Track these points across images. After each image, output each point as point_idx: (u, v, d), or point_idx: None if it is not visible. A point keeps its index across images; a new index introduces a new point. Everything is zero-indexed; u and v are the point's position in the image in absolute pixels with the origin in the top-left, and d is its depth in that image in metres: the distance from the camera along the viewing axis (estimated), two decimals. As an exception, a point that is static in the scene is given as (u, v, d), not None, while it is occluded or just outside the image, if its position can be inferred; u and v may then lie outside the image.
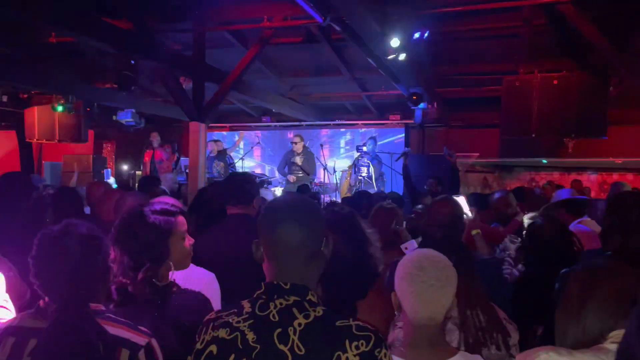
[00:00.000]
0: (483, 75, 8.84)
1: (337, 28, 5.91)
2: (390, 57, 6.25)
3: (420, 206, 4.28)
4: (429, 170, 7.90)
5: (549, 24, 7.11)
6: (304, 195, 3.60)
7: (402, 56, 6.31)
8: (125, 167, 11.56)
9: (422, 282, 1.53)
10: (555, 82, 6.80)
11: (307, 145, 9.65)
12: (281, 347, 1.19)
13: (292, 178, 8.89)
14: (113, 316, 1.53)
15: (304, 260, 1.28)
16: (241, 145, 11.25)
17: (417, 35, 6.25)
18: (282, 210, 1.31)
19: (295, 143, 8.99)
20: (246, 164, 10.98)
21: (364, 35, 5.85)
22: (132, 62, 8.05)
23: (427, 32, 6.39)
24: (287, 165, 9.13)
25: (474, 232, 3.05)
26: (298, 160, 8.93)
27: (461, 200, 3.89)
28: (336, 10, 5.35)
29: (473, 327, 1.83)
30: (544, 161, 10.23)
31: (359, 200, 4.86)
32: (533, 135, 7.07)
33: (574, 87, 6.71)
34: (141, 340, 1.50)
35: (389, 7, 5.99)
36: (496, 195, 3.98)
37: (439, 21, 6.99)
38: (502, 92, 7.17)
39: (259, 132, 12.09)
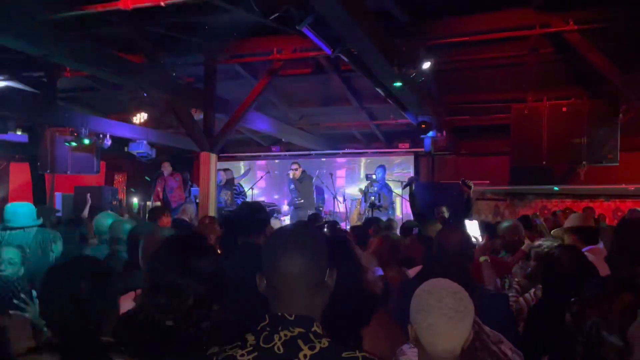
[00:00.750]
0: (491, 103, 8.87)
1: (346, 59, 5.99)
2: (399, 86, 6.30)
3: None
4: (438, 198, 7.84)
5: (556, 52, 7.17)
6: (310, 225, 3.60)
7: (410, 86, 6.35)
8: (135, 199, 11.63)
9: (442, 315, 1.45)
10: (564, 109, 6.80)
11: (317, 174, 9.66)
12: None
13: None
14: (123, 349, 1.52)
15: (308, 291, 1.26)
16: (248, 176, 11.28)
17: (425, 65, 6.31)
18: (284, 241, 1.29)
19: (295, 170, 8.95)
20: (255, 192, 10.99)
21: (372, 66, 5.91)
22: (145, 94, 8.22)
23: (435, 62, 6.44)
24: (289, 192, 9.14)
25: (482, 258, 2.99)
26: (295, 186, 8.92)
27: (474, 224, 3.81)
28: (344, 42, 5.42)
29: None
30: (556, 188, 10.13)
31: (368, 227, 4.83)
32: (544, 163, 7.04)
33: (584, 115, 6.70)
34: None
35: (397, 38, 6.07)
36: (504, 225, 3.96)
37: (447, 51, 7.06)
38: (512, 120, 7.18)
39: (263, 165, 12.13)
